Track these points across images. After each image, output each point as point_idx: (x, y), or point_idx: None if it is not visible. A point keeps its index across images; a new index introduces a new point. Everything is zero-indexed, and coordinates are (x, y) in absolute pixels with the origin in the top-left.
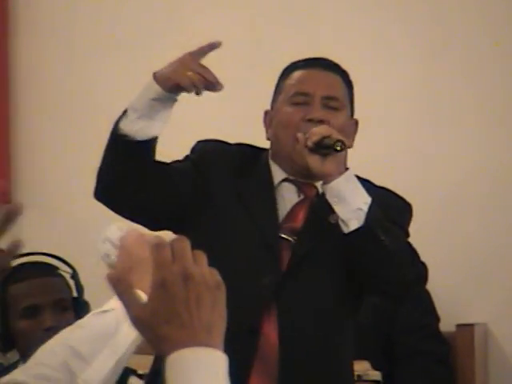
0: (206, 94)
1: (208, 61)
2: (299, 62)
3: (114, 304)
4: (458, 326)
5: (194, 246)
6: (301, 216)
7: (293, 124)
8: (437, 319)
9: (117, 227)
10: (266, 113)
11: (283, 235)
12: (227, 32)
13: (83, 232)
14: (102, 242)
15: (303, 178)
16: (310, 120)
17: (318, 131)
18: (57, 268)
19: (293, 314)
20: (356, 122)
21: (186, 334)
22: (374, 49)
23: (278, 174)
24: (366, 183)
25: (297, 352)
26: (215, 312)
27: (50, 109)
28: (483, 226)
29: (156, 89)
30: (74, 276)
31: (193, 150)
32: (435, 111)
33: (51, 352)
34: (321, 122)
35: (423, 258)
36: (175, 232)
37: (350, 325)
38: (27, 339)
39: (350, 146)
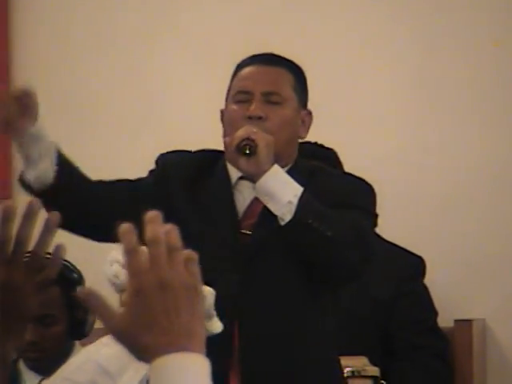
0: (200, 93)
1: (203, 60)
2: (245, 59)
3: None
4: (456, 321)
5: None
6: (257, 211)
7: (235, 123)
8: (435, 314)
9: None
10: (221, 111)
11: (243, 231)
12: (222, 30)
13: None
14: (110, 264)
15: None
16: (249, 117)
17: (238, 134)
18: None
19: (251, 311)
20: (309, 112)
21: (167, 340)
22: (373, 47)
23: (234, 172)
24: (327, 170)
25: (257, 352)
26: (194, 316)
27: (50, 105)
28: (482, 221)
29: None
30: (80, 281)
31: (156, 163)
32: (434, 109)
33: (79, 368)
34: (260, 118)
35: (422, 254)
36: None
37: (322, 318)
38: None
39: (304, 137)
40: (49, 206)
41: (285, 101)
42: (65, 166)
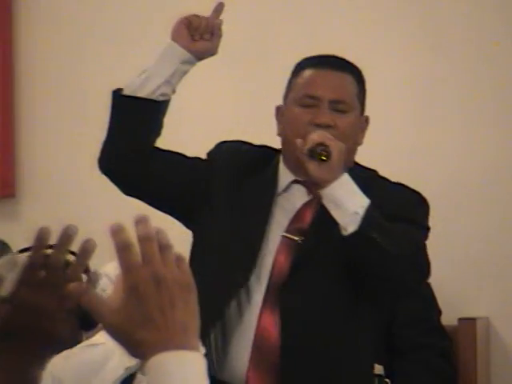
0: (210, 91)
1: (213, 60)
2: (310, 59)
3: (104, 337)
4: (460, 320)
5: (194, 235)
6: (308, 216)
7: (300, 127)
8: (438, 313)
9: (115, 265)
10: (278, 108)
11: (287, 234)
12: (229, 27)
13: (87, 224)
14: (100, 277)
15: (309, 180)
16: (317, 125)
17: (312, 138)
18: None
19: (295, 313)
20: (367, 119)
21: (162, 337)
22: (373, 47)
23: (288, 174)
24: (381, 180)
25: (299, 351)
26: (189, 312)
27: (53, 101)
28: (485, 219)
29: (181, 52)
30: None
31: (214, 148)
32: (434, 110)
33: None
34: (327, 126)
35: None
36: (179, 219)
37: (363, 326)
38: None
39: (361, 144)
40: (125, 122)
41: (350, 109)
42: (165, 109)
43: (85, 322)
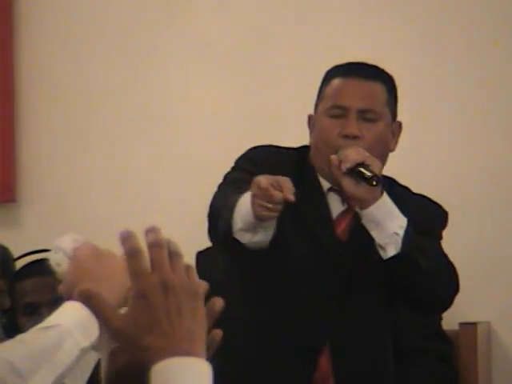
0: (202, 93)
1: (205, 60)
2: (339, 67)
3: (59, 319)
4: (461, 324)
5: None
6: (343, 225)
7: (330, 139)
8: (439, 317)
9: (71, 238)
10: (310, 117)
11: None
12: (224, 30)
13: (88, 228)
14: (55, 251)
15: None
16: (345, 136)
17: (352, 157)
18: None
19: (344, 335)
20: (399, 125)
21: (169, 343)
22: (374, 48)
23: (322, 182)
24: (403, 190)
25: (350, 374)
26: (196, 320)
27: (54, 105)
28: (486, 223)
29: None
30: None
31: (247, 158)
32: (436, 109)
33: None
34: (355, 137)
35: None
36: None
37: (391, 337)
38: None
39: (393, 150)
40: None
41: (379, 118)
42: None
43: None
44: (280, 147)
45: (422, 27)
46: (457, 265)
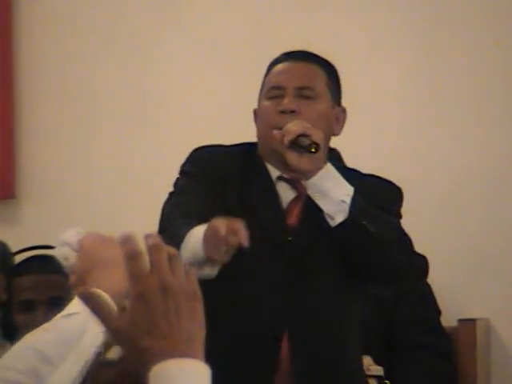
0: (204, 91)
1: (206, 58)
2: (279, 57)
3: (78, 307)
4: (460, 320)
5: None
6: (295, 213)
7: (269, 118)
8: (438, 313)
9: (75, 231)
10: (254, 111)
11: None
12: (226, 28)
13: (87, 225)
14: (60, 245)
15: (293, 175)
16: (282, 112)
17: (293, 129)
18: None
19: (301, 320)
20: (343, 110)
21: (167, 344)
22: (373, 47)
23: (271, 171)
24: (353, 172)
25: (308, 357)
26: (195, 322)
27: (54, 102)
28: (485, 221)
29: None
30: None
31: (191, 161)
32: (437, 109)
33: (18, 355)
34: (292, 112)
35: (425, 254)
36: None
37: (356, 319)
38: (22, 333)
39: (337, 134)
40: None
41: (318, 96)
42: None
43: None
44: (223, 145)
45: (420, 27)
46: (456, 261)
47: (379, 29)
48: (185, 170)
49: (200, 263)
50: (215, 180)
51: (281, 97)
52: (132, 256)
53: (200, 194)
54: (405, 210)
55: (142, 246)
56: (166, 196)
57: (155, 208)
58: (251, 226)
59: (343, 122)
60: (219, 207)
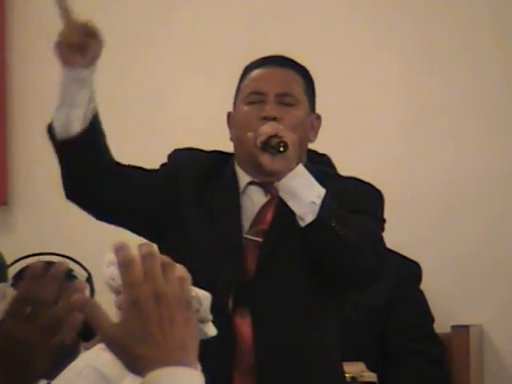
0: (199, 93)
1: (201, 60)
2: (255, 61)
3: None
4: (454, 327)
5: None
6: (268, 217)
7: (249, 123)
8: (431, 320)
9: None
10: (229, 115)
11: (250, 237)
12: (221, 29)
13: (80, 231)
14: (106, 266)
15: (266, 178)
16: (264, 118)
17: (265, 130)
18: (71, 271)
19: (264, 314)
20: (318, 117)
21: (161, 352)
22: (372, 50)
23: (244, 176)
24: (332, 174)
25: (272, 352)
26: (188, 330)
27: (47, 108)
28: (479, 228)
29: (81, 72)
30: (89, 280)
31: (168, 158)
32: (428, 111)
33: (79, 374)
34: (274, 119)
35: (418, 260)
36: (149, 239)
37: (329, 322)
38: None
39: (312, 141)
40: (65, 162)
41: (297, 102)
42: (96, 125)
43: (83, 332)
44: (200, 150)
45: (414, 30)
46: (450, 268)
47: (374, 29)
48: (162, 164)
49: (66, 102)
50: (174, 181)
51: (261, 102)
52: (126, 264)
53: (143, 174)
54: (398, 216)
55: (136, 254)
56: None
57: None
58: (209, 230)
59: (317, 128)
60: (170, 202)
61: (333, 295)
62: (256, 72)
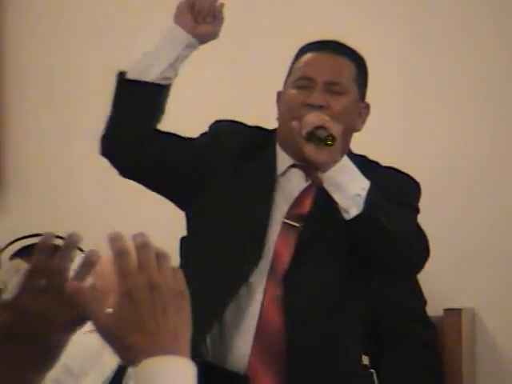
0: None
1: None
2: (311, 43)
3: None
4: (446, 310)
5: (191, 221)
6: (308, 202)
7: (294, 108)
8: (424, 303)
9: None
10: (278, 94)
11: (287, 221)
12: None
13: (76, 213)
14: (73, 272)
15: (307, 164)
16: (309, 105)
17: (311, 121)
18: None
19: (298, 300)
20: (367, 105)
21: (153, 342)
22: (370, 48)
23: (285, 159)
24: (372, 164)
25: (302, 338)
26: (181, 320)
27: (42, 90)
28: (471, 211)
29: (185, 36)
30: None
31: (209, 128)
32: (422, 100)
33: None
34: (320, 107)
35: None
36: (176, 203)
37: (357, 311)
38: None
39: (359, 130)
40: (123, 104)
41: (346, 91)
42: (167, 91)
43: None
44: (246, 125)
45: (414, 20)
46: (442, 252)
47: (367, 16)
48: (203, 133)
49: (183, 48)
50: (213, 151)
51: (309, 88)
52: (120, 254)
53: (183, 140)
54: None
55: (130, 244)
56: None
57: (143, 195)
58: (237, 208)
59: (365, 117)
60: (210, 174)
61: (359, 287)
62: (309, 56)
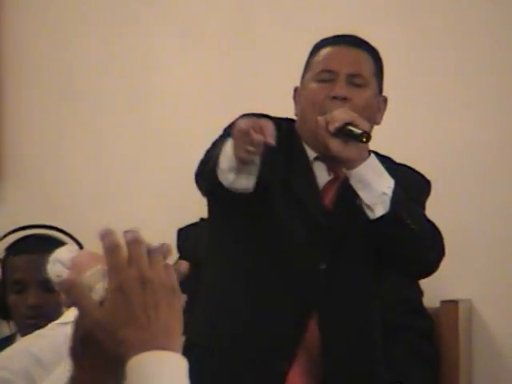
0: (188, 73)
1: (190, 39)
2: (327, 39)
3: (73, 316)
4: (443, 302)
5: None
6: (330, 196)
7: (318, 102)
8: (420, 294)
9: (67, 249)
10: (296, 89)
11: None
12: (210, 7)
13: (73, 205)
14: (52, 263)
15: (331, 158)
16: (334, 97)
17: (341, 117)
18: (63, 244)
19: (332, 303)
20: (385, 99)
21: (144, 337)
22: (364, 32)
23: (308, 152)
24: (386, 160)
25: (338, 339)
26: (172, 315)
27: (39, 83)
28: (468, 202)
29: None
30: None
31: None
32: (418, 95)
33: (13, 357)
34: (344, 99)
35: None
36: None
37: (377, 308)
38: (15, 313)
39: (378, 123)
40: (217, 199)
41: (367, 84)
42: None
43: None
44: (269, 116)
45: (404, 10)
46: None
47: (366, 9)
48: (226, 132)
49: (236, 171)
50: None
51: (331, 81)
52: (111, 248)
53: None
54: None
55: (122, 239)
56: (150, 175)
57: (140, 187)
58: (289, 206)
59: (383, 111)
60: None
61: (378, 286)
62: (328, 50)
